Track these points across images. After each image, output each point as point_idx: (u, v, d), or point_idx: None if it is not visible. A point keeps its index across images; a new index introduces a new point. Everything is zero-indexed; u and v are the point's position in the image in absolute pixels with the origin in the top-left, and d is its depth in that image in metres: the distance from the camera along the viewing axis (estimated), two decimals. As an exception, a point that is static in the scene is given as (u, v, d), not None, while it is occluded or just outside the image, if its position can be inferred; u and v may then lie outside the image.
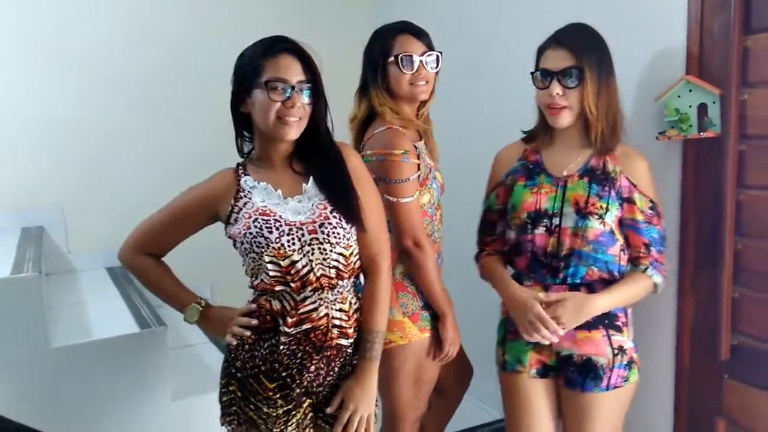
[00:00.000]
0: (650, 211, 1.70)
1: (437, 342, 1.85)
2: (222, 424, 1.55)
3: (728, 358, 1.79)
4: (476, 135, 2.67)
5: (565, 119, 1.70)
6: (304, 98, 1.46)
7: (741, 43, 1.69)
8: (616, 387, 1.69)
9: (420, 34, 1.84)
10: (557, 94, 1.66)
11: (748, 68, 1.69)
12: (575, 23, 1.72)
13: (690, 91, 1.78)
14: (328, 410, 1.54)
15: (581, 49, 1.66)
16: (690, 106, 1.79)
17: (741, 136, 1.72)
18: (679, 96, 1.80)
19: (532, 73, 1.73)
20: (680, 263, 1.89)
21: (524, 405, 1.78)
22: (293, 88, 1.44)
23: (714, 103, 1.75)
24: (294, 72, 1.45)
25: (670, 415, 1.96)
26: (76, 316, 2.29)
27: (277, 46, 1.46)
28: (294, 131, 1.47)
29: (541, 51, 1.72)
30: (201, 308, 1.57)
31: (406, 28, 1.84)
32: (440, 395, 2.04)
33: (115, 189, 2.96)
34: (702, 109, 1.77)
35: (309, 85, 1.47)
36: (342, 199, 1.51)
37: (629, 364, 1.70)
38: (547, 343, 1.70)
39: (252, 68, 1.46)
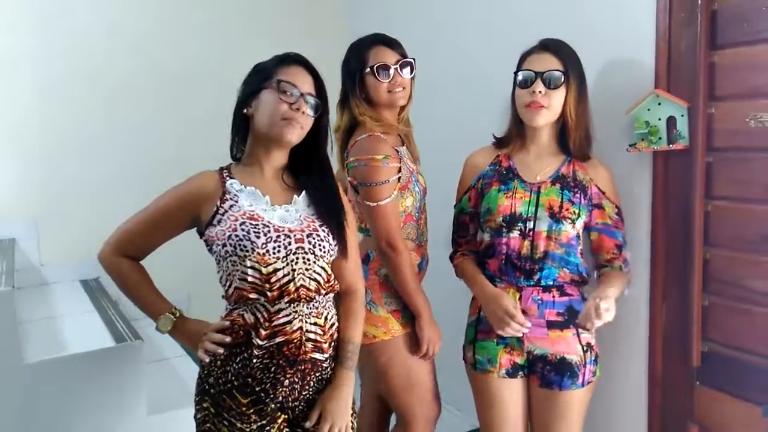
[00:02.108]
0: (616, 216, 1.82)
1: (417, 339, 1.89)
2: None
3: (699, 364, 1.83)
4: (454, 138, 2.68)
5: (543, 118, 1.77)
6: (309, 109, 1.50)
7: (708, 58, 1.74)
8: (588, 382, 1.78)
9: (393, 44, 1.92)
10: (539, 92, 1.73)
11: (715, 82, 1.75)
12: (553, 39, 1.80)
13: (659, 104, 1.83)
14: (307, 425, 1.53)
15: (566, 56, 1.76)
16: (659, 119, 1.83)
17: (708, 148, 1.77)
18: (648, 109, 1.85)
19: (515, 73, 1.79)
20: (651, 272, 1.93)
21: (495, 404, 1.84)
22: (302, 95, 1.49)
23: (682, 116, 1.79)
24: (304, 82, 1.51)
25: (643, 421, 2.00)
26: (49, 330, 2.24)
27: (293, 58, 1.54)
28: (295, 134, 1.49)
29: (525, 56, 1.80)
30: (174, 319, 1.54)
31: (380, 40, 1.92)
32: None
33: (89, 200, 2.90)
34: (671, 122, 1.82)
35: (316, 99, 1.51)
36: (333, 220, 1.54)
37: (596, 359, 1.81)
38: (518, 335, 1.76)
39: (265, 73, 1.51)
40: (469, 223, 1.93)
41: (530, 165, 1.85)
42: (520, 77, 1.78)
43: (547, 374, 1.78)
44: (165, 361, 2.43)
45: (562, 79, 1.74)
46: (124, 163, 2.98)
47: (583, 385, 1.77)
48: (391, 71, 1.88)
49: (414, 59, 1.93)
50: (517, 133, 1.87)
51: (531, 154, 1.86)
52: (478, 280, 1.85)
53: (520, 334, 1.77)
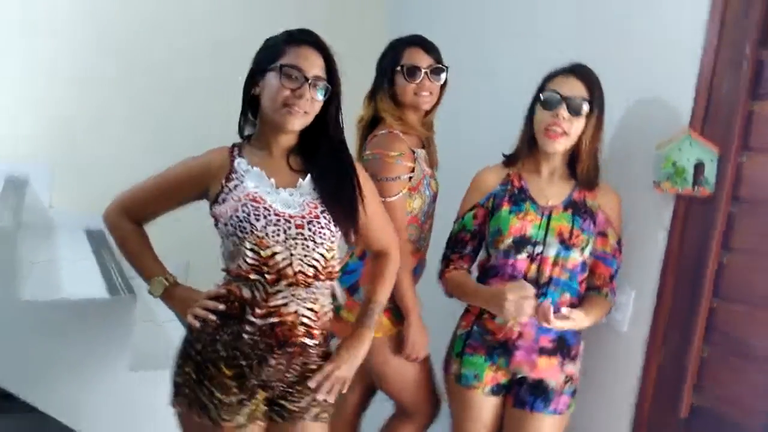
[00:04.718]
0: (616, 245, 1.81)
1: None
2: (171, 404, 1.53)
3: (687, 417, 1.79)
4: (478, 148, 2.66)
5: (561, 145, 1.75)
6: (317, 94, 1.46)
7: (747, 107, 1.70)
8: (560, 413, 1.77)
9: (429, 49, 1.92)
10: (563, 117, 1.70)
11: (751, 132, 1.70)
12: (582, 64, 1.78)
13: (690, 145, 1.78)
14: (310, 383, 1.51)
15: (593, 85, 1.75)
16: (688, 161, 1.79)
17: (733, 197, 1.73)
18: (680, 149, 1.80)
19: (538, 93, 1.77)
20: (654, 312, 1.89)
21: (477, 421, 1.84)
22: (307, 80, 1.44)
23: (712, 161, 1.75)
24: (313, 65, 1.46)
25: (621, 465, 1.96)
26: (48, 272, 2.26)
27: (303, 36, 1.49)
28: (297, 122, 1.47)
29: (551, 77, 1.78)
30: (167, 284, 1.55)
31: (417, 41, 1.93)
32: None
33: (107, 152, 2.91)
34: (699, 166, 1.77)
35: (325, 83, 1.47)
36: (338, 201, 1.51)
37: (573, 393, 1.79)
38: (524, 320, 1.72)
39: (272, 51, 1.48)
40: (469, 241, 1.88)
41: (542, 188, 1.82)
42: (543, 98, 1.75)
43: (522, 394, 1.78)
44: (157, 323, 2.42)
45: (587, 108, 1.72)
46: (148, 122, 2.98)
47: (554, 413, 1.75)
48: (421, 74, 1.88)
49: (447, 67, 1.91)
50: (528, 152, 1.83)
51: (543, 177, 1.83)
52: (479, 286, 1.83)
53: (525, 320, 1.72)
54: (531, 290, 1.68)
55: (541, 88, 1.78)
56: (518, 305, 1.67)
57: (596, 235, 1.79)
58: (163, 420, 1.59)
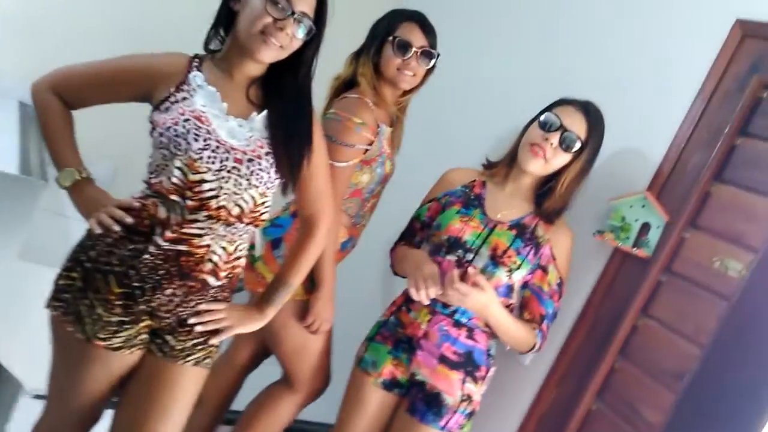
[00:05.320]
0: (556, 287, 1.76)
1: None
2: (47, 307, 1.41)
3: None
4: (449, 145, 2.63)
5: (537, 166, 1.72)
6: (299, 32, 1.37)
7: (706, 187, 1.72)
8: (450, 431, 1.72)
9: (427, 29, 1.86)
10: (551, 144, 1.67)
11: (702, 212, 1.72)
12: (597, 107, 1.75)
13: (643, 206, 1.80)
14: (192, 320, 1.42)
15: (595, 130, 1.72)
16: (636, 220, 1.80)
17: (667, 268, 1.75)
18: (631, 206, 1.82)
19: (541, 112, 1.74)
20: (558, 355, 1.90)
21: (359, 408, 1.79)
22: (293, 13, 1.35)
23: (658, 227, 1.76)
24: (303, 2, 1.37)
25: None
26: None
27: None
28: (269, 54, 1.37)
29: (561, 102, 1.75)
30: (78, 178, 1.41)
31: (416, 18, 1.87)
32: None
33: (65, 21, 2.67)
34: (645, 227, 1.79)
35: (310, 22, 1.38)
36: (286, 147, 1.42)
37: (470, 416, 1.75)
38: (425, 301, 1.67)
39: None
40: (418, 231, 1.89)
41: (499, 202, 1.80)
42: (543, 117, 1.72)
43: (416, 402, 1.74)
44: (62, 218, 2.26)
45: (577, 149, 1.70)
46: (111, 10, 2.77)
47: (443, 429, 1.71)
48: (410, 52, 1.82)
49: (439, 54, 1.86)
50: (507, 164, 1.81)
51: (506, 191, 1.81)
52: (417, 252, 1.79)
53: (426, 300, 1.68)
54: (452, 281, 1.62)
55: (547, 108, 1.74)
56: (425, 281, 1.65)
57: (535, 266, 1.75)
58: (42, 321, 1.46)
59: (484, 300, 1.64)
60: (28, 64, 2.59)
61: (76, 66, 1.46)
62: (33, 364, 1.64)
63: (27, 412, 1.68)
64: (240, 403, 2.09)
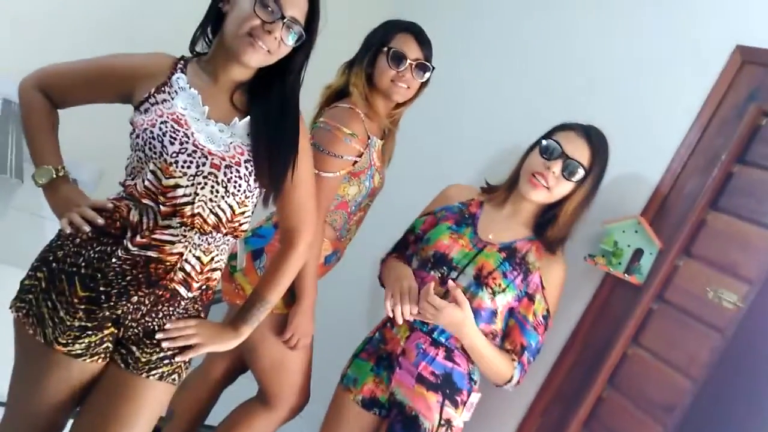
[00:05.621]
0: (542, 319, 1.67)
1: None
2: (10, 308, 1.34)
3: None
4: (441, 161, 2.58)
5: (539, 196, 1.66)
6: (288, 37, 1.32)
7: (702, 214, 1.67)
8: None
9: (422, 42, 1.82)
10: (553, 172, 1.61)
11: (697, 239, 1.67)
12: (600, 131, 1.69)
13: (636, 231, 1.75)
14: (159, 335, 1.35)
15: (599, 156, 1.65)
16: (628, 246, 1.75)
17: (659, 296, 1.70)
18: (623, 231, 1.77)
19: (541, 139, 1.68)
20: (545, 383, 1.84)
21: (336, 424, 1.75)
22: (283, 18, 1.30)
23: (651, 254, 1.72)
24: (294, 4, 1.32)
25: None
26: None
27: None
28: (255, 58, 1.32)
29: (563, 127, 1.68)
30: (54, 176, 1.38)
31: (412, 30, 1.82)
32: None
33: (52, 26, 2.63)
34: (638, 253, 1.74)
35: (300, 28, 1.33)
36: (268, 156, 1.36)
37: None
38: (399, 320, 1.62)
39: None
40: (411, 243, 1.84)
41: (493, 223, 1.74)
42: (544, 143, 1.66)
43: (395, 424, 1.67)
44: (36, 218, 2.19)
45: (581, 177, 1.63)
46: (101, 9, 2.72)
47: None
48: (405, 64, 1.77)
49: (434, 67, 1.82)
50: (507, 189, 1.75)
51: (502, 213, 1.75)
52: (400, 264, 1.74)
53: (400, 319, 1.62)
54: (427, 293, 1.58)
55: (549, 134, 1.68)
56: (402, 296, 1.61)
57: (523, 293, 1.67)
58: (9, 324, 1.39)
59: (458, 317, 1.58)
60: (15, 61, 2.58)
61: (62, 64, 1.43)
62: None
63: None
64: (215, 418, 2.01)
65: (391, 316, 1.63)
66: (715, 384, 1.54)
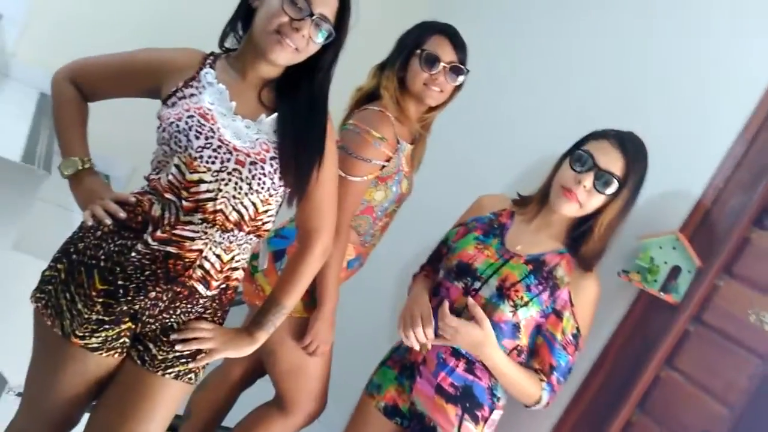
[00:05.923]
0: (571, 338, 1.58)
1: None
2: (30, 298, 1.34)
3: None
4: (472, 169, 2.52)
5: (570, 210, 1.57)
6: (317, 35, 1.30)
7: (746, 232, 1.59)
8: None
9: (457, 44, 1.77)
10: (584, 186, 1.53)
11: (739, 259, 1.59)
12: (637, 138, 1.59)
13: (674, 248, 1.67)
14: (173, 337, 1.33)
15: (634, 166, 1.53)
16: (665, 262, 1.67)
17: (696, 317, 1.61)
18: (660, 247, 1.69)
19: (572, 149, 1.59)
20: (571, 402, 1.76)
21: (358, 429, 1.74)
22: (312, 15, 1.28)
23: (689, 272, 1.63)
24: (323, 3, 1.30)
25: None
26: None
27: None
28: (283, 56, 1.30)
29: (596, 135, 1.58)
30: (80, 167, 1.38)
31: (447, 32, 1.78)
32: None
33: (90, 23, 2.67)
34: (675, 271, 1.66)
35: (330, 27, 1.30)
36: (295, 154, 1.33)
37: None
38: (415, 346, 1.59)
39: None
40: (444, 255, 1.76)
41: (523, 234, 1.66)
42: (576, 155, 1.56)
43: None
44: (63, 210, 2.20)
45: (615, 190, 1.53)
46: (138, 4, 2.75)
47: None
48: (438, 66, 1.72)
49: (468, 71, 1.77)
50: (539, 202, 1.66)
51: (532, 225, 1.66)
52: (420, 288, 1.70)
53: (416, 345, 1.58)
54: (443, 314, 1.54)
55: (581, 143, 1.59)
56: (413, 319, 1.58)
57: (549, 310, 1.58)
58: (31, 315, 1.38)
59: (478, 336, 1.52)
60: (54, 56, 2.62)
61: (94, 57, 1.44)
62: (20, 360, 1.56)
63: (8, 410, 1.60)
64: (231, 420, 1.99)
65: (408, 345, 1.60)
66: (753, 413, 1.45)
